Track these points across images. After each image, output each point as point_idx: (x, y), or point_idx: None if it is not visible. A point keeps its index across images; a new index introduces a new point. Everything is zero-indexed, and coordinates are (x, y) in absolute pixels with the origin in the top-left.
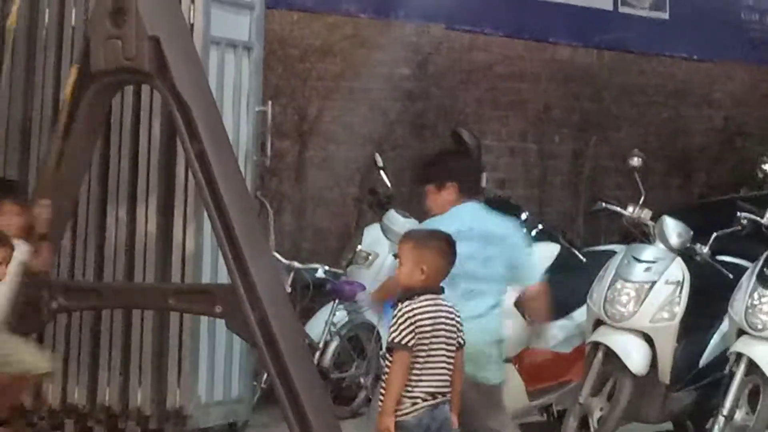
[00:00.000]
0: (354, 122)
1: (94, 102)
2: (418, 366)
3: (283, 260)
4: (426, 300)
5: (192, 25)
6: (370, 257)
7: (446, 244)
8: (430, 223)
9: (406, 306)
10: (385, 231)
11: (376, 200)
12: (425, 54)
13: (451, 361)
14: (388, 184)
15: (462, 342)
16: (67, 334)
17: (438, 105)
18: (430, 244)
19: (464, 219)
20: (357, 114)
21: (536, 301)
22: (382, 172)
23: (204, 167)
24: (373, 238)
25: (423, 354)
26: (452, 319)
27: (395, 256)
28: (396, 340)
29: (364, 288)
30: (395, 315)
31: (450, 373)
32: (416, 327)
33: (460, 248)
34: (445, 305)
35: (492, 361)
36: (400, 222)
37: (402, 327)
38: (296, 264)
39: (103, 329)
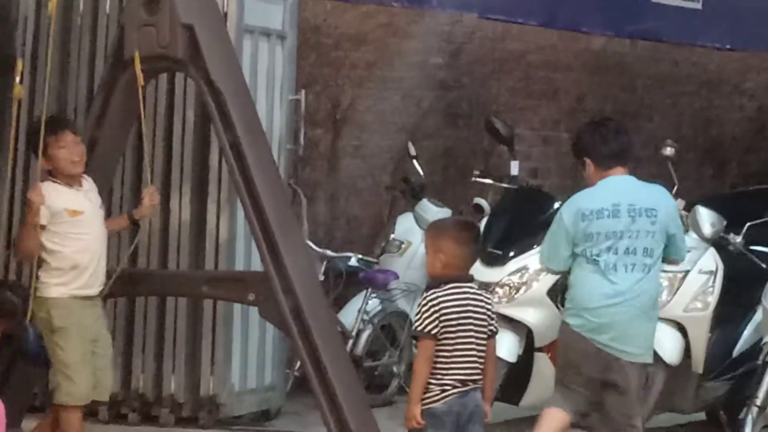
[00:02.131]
0: (387, 111)
1: (127, 90)
2: (446, 354)
3: (317, 249)
4: (452, 288)
5: (225, 14)
6: (402, 246)
7: (464, 233)
8: (569, 200)
9: (431, 294)
10: (418, 220)
11: (408, 189)
12: (458, 43)
13: (482, 349)
14: (421, 173)
15: (495, 330)
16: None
17: (471, 94)
18: (447, 233)
19: (610, 195)
20: (390, 103)
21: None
22: (414, 161)
23: (237, 155)
24: (405, 226)
25: (450, 342)
26: (482, 307)
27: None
28: (420, 329)
29: (396, 276)
30: (420, 303)
31: (481, 361)
32: (441, 315)
33: (604, 226)
34: (475, 293)
35: (636, 336)
36: (432, 211)
37: (426, 315)
38: (329, 252)
39: (137, 316)
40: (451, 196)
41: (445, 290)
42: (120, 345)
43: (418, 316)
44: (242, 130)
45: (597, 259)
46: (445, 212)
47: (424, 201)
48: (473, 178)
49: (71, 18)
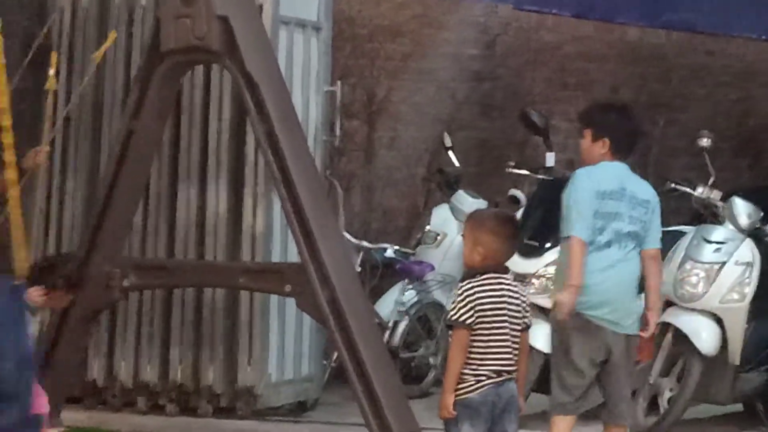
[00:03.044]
0: (422, 102)
1: (163, 81)
2: (481, 344)
3: (353, 240)
4: (488, 279)
5: (261, 5)
6: (438, 237)
7: (502, 225)
8: (582, 173)
9: (467, 285)
10: (454, 211)
11: (444, 180)
12: (493, 34)
13: (517, 340)
14: (457, 164)
15: (529, 323)
16: (139, 312)
17: (506, 85)
18: (486, 225)
19: (615, 179)
20: (425, 94)
21: (657, 262)
22: (450, 152)
23: (274, 147)
24: (441, 218)
25: (486, 333)
26: (518, 299)
27: (463, 236)
28: (454, 318)
29: (432, 268)
30: (456, 294)
31: (516, 352)
32: (476, 306)
33: (610, 206)
34: (510, 285)
35: (628, 311)
36: (468, 202)
37: (461, 306)
38: (365, 244)
39: (174, 307)
40: (487, 188)
41: (480, 281)
42: (158, 336)
43: (453, 306)
44: (278, 122)
45: (596, 237)
46: (480, 203)
47: (460, 192)
48: (508, 170)
49: (107, 10)
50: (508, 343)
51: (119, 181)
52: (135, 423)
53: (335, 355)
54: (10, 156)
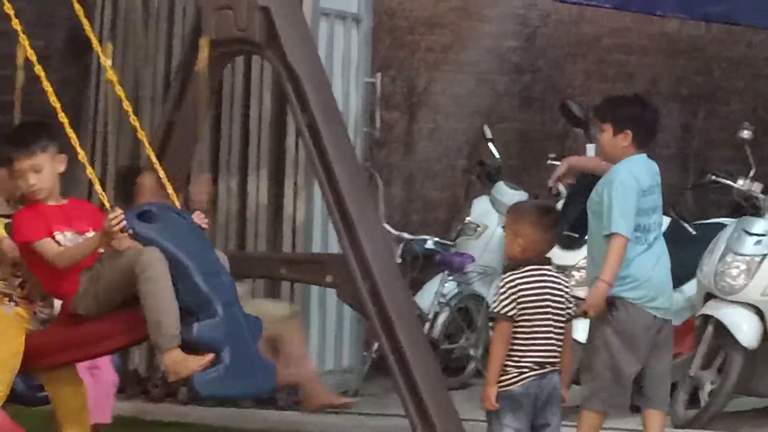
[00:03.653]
0: (462, 94)
1: (205, 72)
2: (524, 336)
3: (393, 231)
4: (530, 271)
5: None
6: (479, 229)
7: (543, 217)
8: (622, 170)
9: (509, 277)
10: (494, 203)
11: (484, 172)
12: (533, 26)
13: (560, 332)
14: (497, 156)
15: (572, 314)
16: None
17: (545, 77)
18: (525, 216)
19: (649, 172)
20: (465, 86)
21: None
22: (490, 144)
23: (314, 138)
24: (482, 209)
25: (528, 324)
26: (560, 290)
27: (504, 228)
28: (497, 310)
29: (473, 259)
30: (498, 286)
31: (559, 344)
32: (518, 297)
33: (651, 202)
34: (553, 277)
35: (672, 296)
36: (508, 194)
37: (503, 297)
38: (406, 235)
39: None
40: (527, 180)
41: (523, 273)
42: None
43: (496, 298)
44: (319, 113)
45: (641, 232)
46: (521, 195)
47: (500, 184)
48: (549, 161)
49: (149, 1)
50: (551, 335)
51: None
52: (176, 413)
53: (375, 346)
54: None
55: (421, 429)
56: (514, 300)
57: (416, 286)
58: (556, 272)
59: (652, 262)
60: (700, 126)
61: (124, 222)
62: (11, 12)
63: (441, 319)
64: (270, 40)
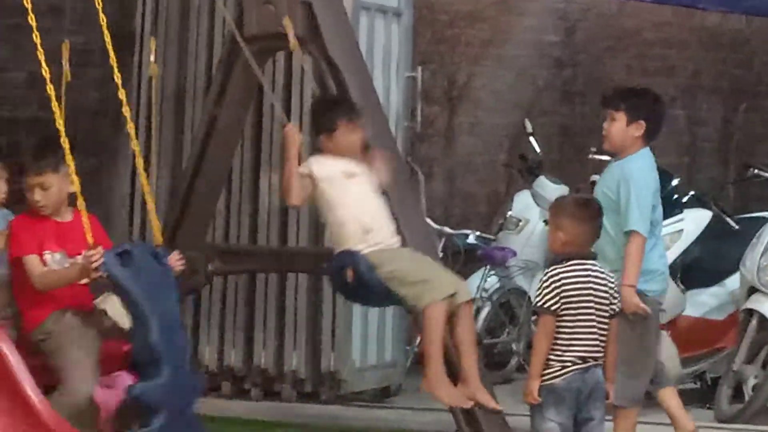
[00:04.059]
0: (502, 88)
1: (246, 67)
2: (567, 330)
3: (435, 226)
4: (573, 265)
5: None
6: (520, 223)
7: (583, 210)
8: (641, 167)
9: (552, 271)
10: (535, 197)
11: (525, 166)
12: (573, 20)
13: (604, 327)
14: (538, 151)
15: (617, 310)
16: (223, 297)
17: (586, 71)
18: (566, 210)
19: (655, 169)
20: (505, 80)
21: None
22: (531, 138)
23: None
24: (523, 204)
25: (571, 318)
26: (605, 285)
27: (545, 222)
28: (540, 304)
29: (514, 254)
30: (542, 280)
31: (603, 339)
32: (562, 291)
33: (657, 198)
34: (597, 271)
35: None
36: (549, 188)
37: (546, 291)
38: (447, 230)
39: (257, 293)
40: (568, 174)
41: (566, 267)
42: (241, 321)
43: (539, 291)
44: (361, 108)
45: (651, 226)
46: (562, 189)
47: (542, 178)
48: (590, 155)
49: None
50: (595, 330)
51: (202, 168)
52: (219, 407)
53: (418, 340)
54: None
55: (465, 423)
56: (558, 294)
57: None
58: (601, 267)
59: (659, 255)
60: (741, 120)
61: (101, 260)
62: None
63: (483, 313)
64: (311, 34)
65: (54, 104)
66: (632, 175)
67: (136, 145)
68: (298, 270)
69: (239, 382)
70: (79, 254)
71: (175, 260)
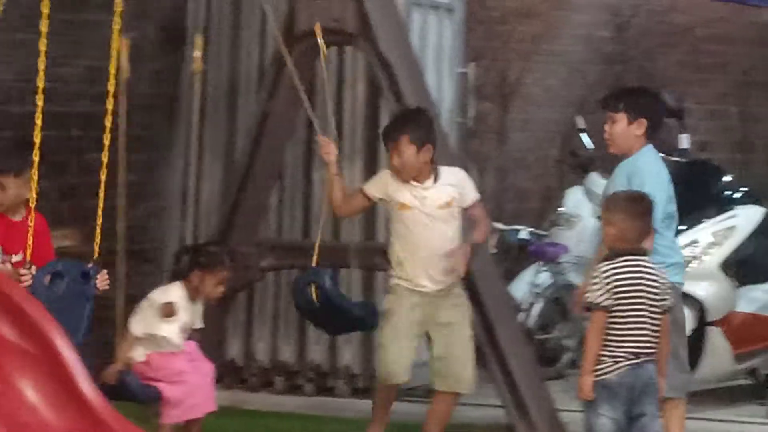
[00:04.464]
0: (554, 84)
1: (298, 63)
2: (619, 326)
3: None
4: (625, 261)
5: None
6: (572, 219)
7: (634, 205)
8: (654, 164)
9: (604, 267)
10: (587, 193)
11: (577, 162)
12: (625, 16)
13: (656, 323)
14: (590, 146)
15: (669, 306)
16: (276, 292)
17: (638, 67)
18: (617, 206)
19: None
20: (557, 76)
21: None
22: (583, 134)
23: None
24: (575, 200)
25: (623, 314)
26: (656, 281)
27: (598, 218)
28: (591, 300)
29: (567, 250)
30: (594, 276)
31: (655, 334)
32: (613, 287)
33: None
34: (649, 267)
35: None
36: (601, 184)
37: (598, 287)
38: (500, 225)
39: None
40: None
41: (617, 263)
42: (294, 317)
43: (591, 288)
44: (413, 103)
45: (671, 219)
46: None
47: (593, 174)
48: None
49: None
50: (647, 326)
51: (255, 163)
52: (273, 403)
53: None
54: (106, 140)
55: (518, 419)
56: (609, 290)
57: (510, 276)
58: (653, 263)
59: (680, 247)
60: None
61: (29, 282)
62: None
63: (535, 309)
64: (363, 30)
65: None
66: (644, 169)
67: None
68: (351, 265)
69: (292, 377)
70: (17, 253)
71: (102, 279)
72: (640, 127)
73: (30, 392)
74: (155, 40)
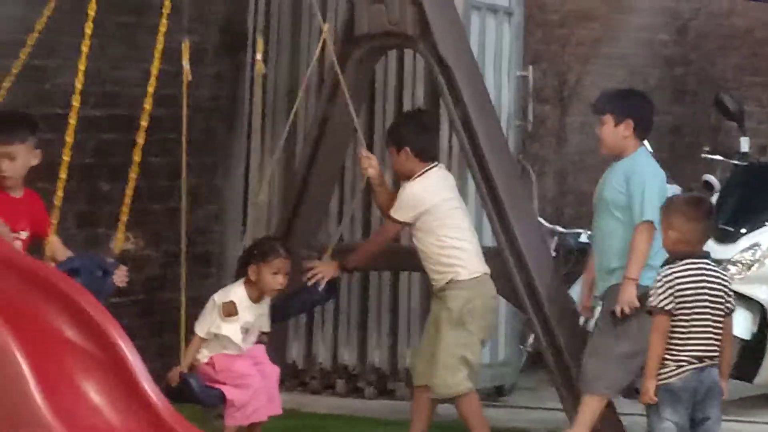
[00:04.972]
0: (614, 87)
1: (358, 67)
2: (682, 329)
3: (547, 225)
4: (687, 264)
5: None
6: None
7: (694, 208)
8: (648, 161)
9: (666, 270)
10: None
11: None
12: (684, 19)
13: (719, 325)
14: (649, 150)
15: (732, 308)
16: (337, 295)
17: (698, 71)
18: (676, 209)
19: None
20: (616, 79)
21: None
22: None
23: (468, 131)
24: None
25: (686, 318)
26: (719, 283)
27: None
28: (654, 304)
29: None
30: (656, 280)
31: (718, 337)
32: (676, 291)
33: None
34: (711, 270)
35: None
36: None
37: (660, 291)
38: (559, 228)
39: (370, 291)
40: (680, 173)
41: (680, 266)
42: (355, 320)
43: (654, 292)
44: (472, 106)
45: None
46: (674, 189)
47: None
48: (702, 155)
49: None
50: (710, 329)
51: (315, 167)
52: (334, 405)
53: (531, 339)
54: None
55: None
56: (671, 293)
57: (570, 279)
58: (715, 266)
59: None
60: None
61: None
62: None
63: (596, 312)
64: (422, 33)
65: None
66: (641, 170)
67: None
68: (412, 268)
69: (353, 380)
70: (23, 230)
71: (121, 274)
72: (627, 128)
73: (94, 394)
74: (215, 43)
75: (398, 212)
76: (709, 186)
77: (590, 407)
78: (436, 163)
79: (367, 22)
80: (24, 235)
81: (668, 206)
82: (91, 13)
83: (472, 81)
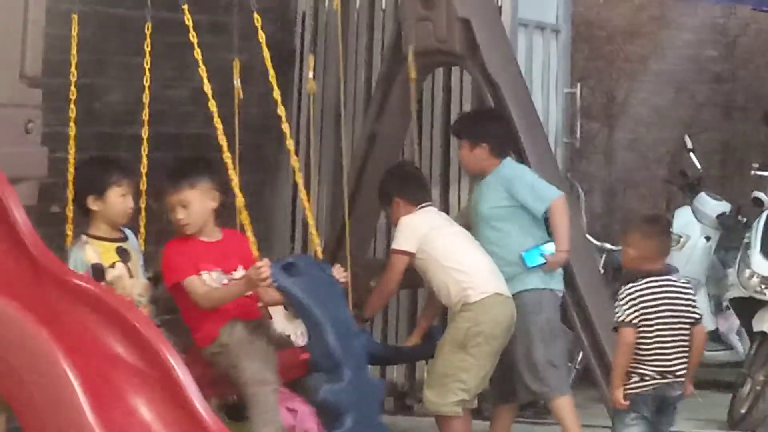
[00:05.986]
0: (661, 104)
1: (406, 84)
2: (646, 343)
3: (595, 242)
4: (649, 282)
5: (500, 7)
6: (681, 239)
7: (648, 226)
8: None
9: (629, 287)
10: (696, 213)
11: (686, 183)
12: (732, 35)
13: (685, 339)
14: (698, 166)
15: (698, 317)
16: (385, 312)
17: (746, 87)
18: (633, 228)
19: None
20: (664, 96)
21: None
22: (691, 154)
23: (516, 148)
24: (684, 220)
25: (649, 333)
26: (681, 298)
27: (707, 238)
28: (621, 319)
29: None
30: (619, 295)
31: (685, 351)
32: (639, 305)
33: None
34: (674, 284)
35: None
36: (710, 204)
37: (624, 306)
38: (608, 246)
39: (419, 308)
40: (729, 190)
41: (642, 284)
42: (404, 337)
43: (617, 308)
44: (520, 124)
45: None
46: (723, 205)
47: (702, 194)
48: (752, 171)
49: (348, 14)
50: (676, 343)
51: (363, 184)
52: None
53: (580, 356)
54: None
55: None
56: (634, 307)
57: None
58: (677, 281)
59: None
60: None
61: (269, 273)
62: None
63: None
64: (470, 51)
65: (217, 120)
66: (516, 174)
67: (295, 162)
68: None
69: (402, 397)
70: (235, 270)
71: (339, 272)
72: (483, 152)
73: (144, 410)
74: (264, 62)
75: (399, 242)
76: (758, 202)
77: (567, 407)
78: (429, 203)
79: (415, 40)
80: (237, 274)
81: (627, 226)
82: (148, 32)
83: (519, 98)
